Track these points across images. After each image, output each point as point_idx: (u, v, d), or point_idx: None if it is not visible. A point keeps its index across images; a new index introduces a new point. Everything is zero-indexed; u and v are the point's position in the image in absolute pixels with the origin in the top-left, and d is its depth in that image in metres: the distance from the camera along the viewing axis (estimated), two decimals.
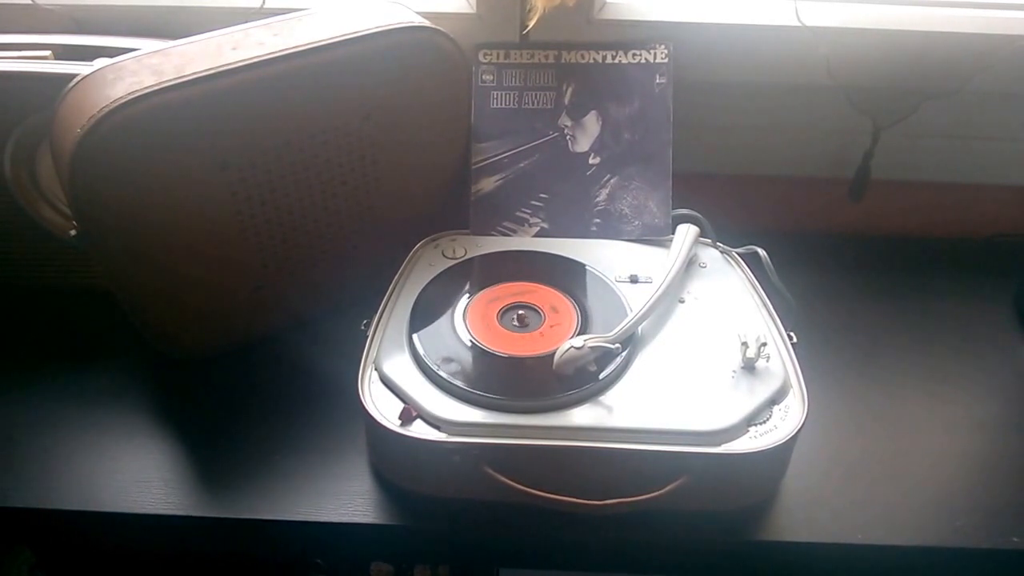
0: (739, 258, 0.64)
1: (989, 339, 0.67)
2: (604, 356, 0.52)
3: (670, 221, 0.66)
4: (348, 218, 0.62)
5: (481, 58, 0.68)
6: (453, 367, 0.52)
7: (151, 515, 0.51)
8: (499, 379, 0.52)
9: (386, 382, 0.52)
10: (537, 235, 0.67)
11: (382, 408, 0.50)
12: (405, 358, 0.53)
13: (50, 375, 0.61)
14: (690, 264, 0.63)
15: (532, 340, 0.55)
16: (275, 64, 0.53)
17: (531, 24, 0.66)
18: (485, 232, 0.67)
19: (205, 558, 0.65)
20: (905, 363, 0.64)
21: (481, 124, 0.68)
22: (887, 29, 0.69)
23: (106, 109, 0.49)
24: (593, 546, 0.52)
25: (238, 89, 0.52)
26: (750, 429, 0.50)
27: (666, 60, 0.68)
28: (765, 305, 0.59)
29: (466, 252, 0.64)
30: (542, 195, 0.67)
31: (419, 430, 0.49)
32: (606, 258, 0.63)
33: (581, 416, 0.50)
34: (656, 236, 0.66)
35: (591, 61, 0.68)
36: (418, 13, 0.60)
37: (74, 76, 0.52)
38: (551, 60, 0.69)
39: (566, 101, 0.68)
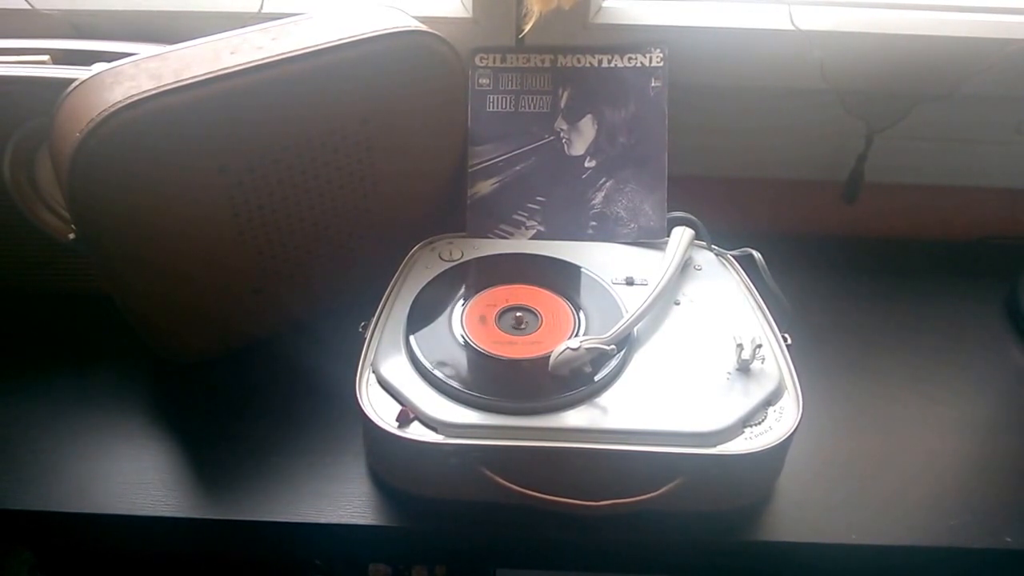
0: (734, 260, 0.65)
1: (981, 340, 0.67)
2: (600, 358, 0.53)
3: (665, 224, 0.67)
4: (345, 221, 0.62)
5: (477, 62, 0.69)
6: (450, 369, 0.52)
7: (150, 517, 0.52)
8: (496, 381, 0.52)
9: (384, 384, 0.52)
10: (533, 238, 0.67)
11: (380, 410, 0.51)
12: (402, 360, 0.54)
13: (49, 378, 0.61)
14: (685, 266, 0.63)
15: (528, 342, 0.55)
16: (273, 68, 0.53)
17: (527, 28, 0.66)
18: (482, 235, 0.67)
19: (203, 560, 0.65)
20: (898, 364, 0.65)
21: (477, 127, 0.68)
22: (880, 33, 0.69)
23: (104, 113, 0.49)
24: (589, 547, 0.52)
25: (236, 93, 0.52)
26: (745, 430, 0.50)
27: (661, 64, 0.68)
28: (760, 307, 0.60)
29: (463, 255, 0.64)
30: (538, 198, 0.68)
31: (416, 432, 0.50)
32: (602, 260, 0.64)
33: (577, 418, 0.50)
34: (651, 239, 0.67)
35: (587, 65, 0.69)
36: (414, 17, 0.61)
37: (72, 80, 0.53)
38: (547, 64, 0.69)
39: (562, 105, 0.69)
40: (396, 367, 0.53)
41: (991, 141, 0.76)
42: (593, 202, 0.68)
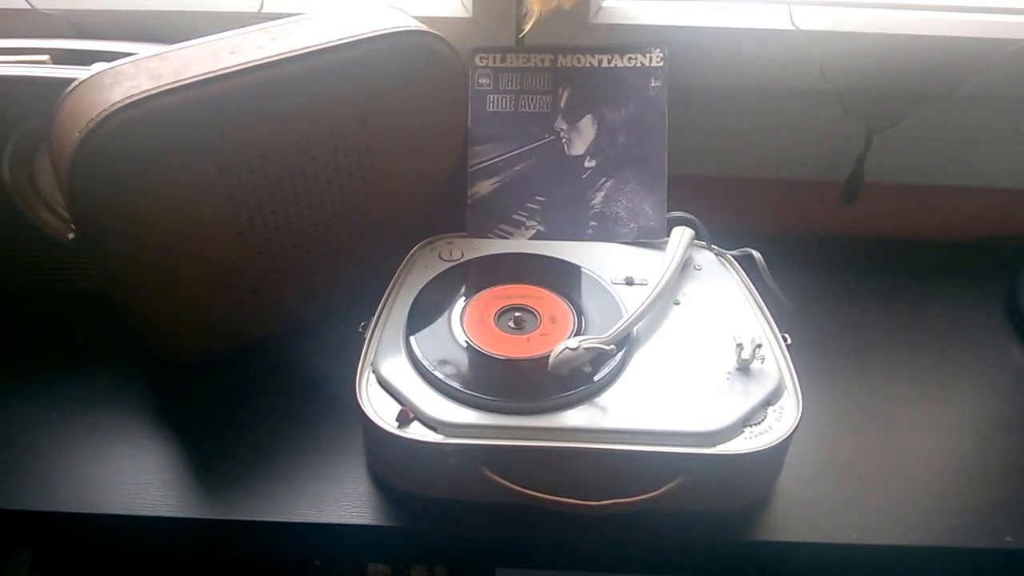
0: (734, 260, 0.65)
1: (980, 339, 0.67)
2: (599, 357, 0.53)
3: (665, 224, 0.67)
4: (345, 221, 0.62)
5: (477, 62, 0.69)
6: (450, 369, 0.52)
7: (149, 517, 0.52)
8: (496, 381, 0.52)
9: (383, 384, 0.52)
10: (533, 238, 0.67)
11: (379, 410, 0.51)
12: (402, 360, 0.54)
13: (49, 378, 0.61)
14: (685, 266, 0.63)
15: (528, 342, 0.55)
16: (273, 68, 0.53)
17: (527, 28, 0.66)
18: (482, 235, 0.67)
19: (203, 560, 0.65)
20: (898, 363, 0.65)
21: (477, 127, 0.68)
22: (880, 33, 0.69)
23: (104, 113, 0.49)
24: (589, 547, 0.52)
25: (236, 93, 0.52)
26: (745, 430, 0.50)
27: (661, 64, 0.68)
28: (760, 307, 0.60)
29: (463, 254, 0.64)
30: (538, 198, 0.68)
31: (416, 432, 0.50)
32: (602, 260, 0.64)
33: (577, 417, 0.50)
34: (651, 239, 0.67)
35: (587, 65, 0.69)
36: (414, 17, 0.61)
37: (72, 80, 0.53)
38: (547, 64, 0.69)
39: (562, 105, 0.69)
40: (396, 367, 0.53)
41: (991, 141, 0.77)
42: (593, 202, 0.68)
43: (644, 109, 0.68)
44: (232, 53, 0.54)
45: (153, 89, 0.50)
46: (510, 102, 0.69)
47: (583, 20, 0.69)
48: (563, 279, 0.61)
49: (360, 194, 0.62)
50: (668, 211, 0.67)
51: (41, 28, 0.69)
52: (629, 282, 0.61)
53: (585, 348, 0.51)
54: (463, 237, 0.67)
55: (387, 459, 0.53)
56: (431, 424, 0.50)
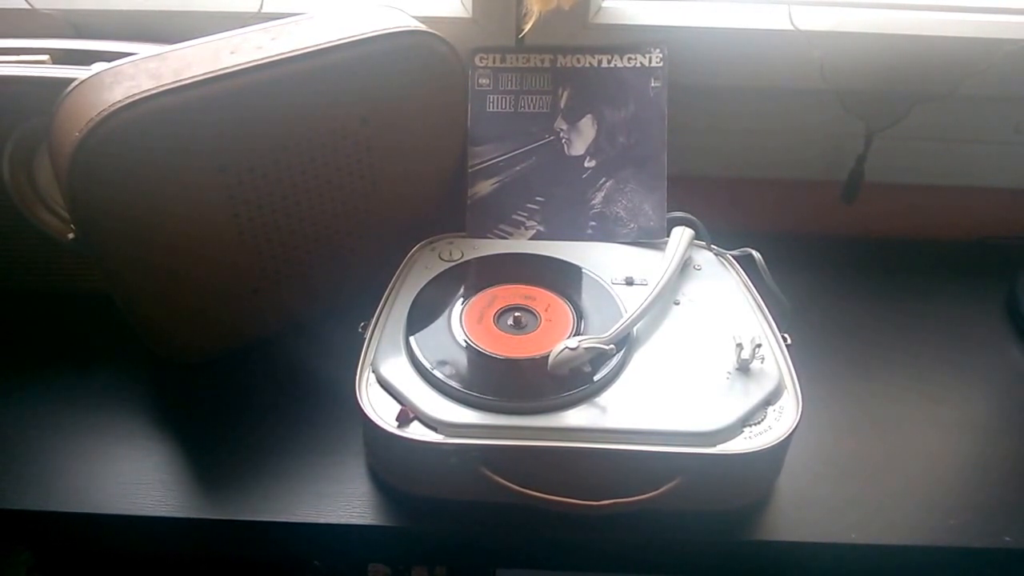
0: (733, 260, 0.65)
1: (980, 340, 0.67)
2: (599, 357, 0.53)
3: (665, 224, 0.67)
4: (345, 221, 0.62)
5: (477, 62, 0.69)
6: (450, 369, 0.52)
7: (149, 517, 0.52)
8: (495, 381, 0.52)
9: (383, 384, 0.52)
10: (533, 238, 0.67)
11: (379, 410, 0.51)
12: (402, 360, 0.54)
13: (48, 378, 0.61)
14: (685, 266, 0.63)
15: (528, 342, 0.55)
16: (273, 68, 0.53)
17: (527, 28, 0.66)
18: (481, 235, 0.67)
19: (203, 560, 0.65)
20: (898, 364, 0.65)
21: (477, 128, 0.68)
22: (880, 33, 0.69)
23: (104, 113, 0.49)
24: (589, 546, 0.52)
25: (236, 93, 0.52)
26: (745, 430, 0.50)
27: (661, 64, 0.68)
28: (759, 307, 0.60)
29: (463, 255, 0.64)
30: (538, 198, 0.68)
31: (416, 432, 0.50)
32: (602, 260, 0.64)
33: (577, 417, 0.50)
34: (651, 239, 0.67)
35: (587, 65, 0.69)
36: (414, 17, 0.61)
37: (72, 80, 0.53)
38: (547, 64, 0.69)
39: (562, 105, 0.69)
40: (396, 367, 0.53)
41: (990, 141, 0.76)
42: (593, 202, 0.68)
43: (644, 109, 0.68)
44: (232, 53, 0.54)
45: (153, 89, 0.50)
46: (510, 102, 0.69)
47: (583, 20, 0.69)
48: (563, 279, 0.61)
49: (360, 194, 0.62)
50: (668, 211, 0.67)
51: (41, 28, 0.69)
52: (629, 282, 0.61)
53: (585, 348, 0.51)
54: (463, 237, 0.67)
55: (387, 459, 0.53)
56: (431, 424, 0.50)
